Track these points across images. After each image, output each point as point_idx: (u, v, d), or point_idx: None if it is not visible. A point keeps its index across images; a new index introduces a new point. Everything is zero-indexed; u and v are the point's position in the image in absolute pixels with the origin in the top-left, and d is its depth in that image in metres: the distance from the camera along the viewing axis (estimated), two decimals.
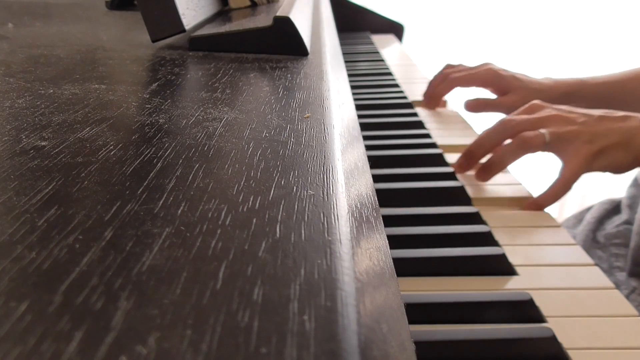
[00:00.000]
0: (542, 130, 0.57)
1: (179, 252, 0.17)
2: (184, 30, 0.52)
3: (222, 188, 0.22)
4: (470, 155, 0.60)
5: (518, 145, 0.57)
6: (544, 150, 0.57)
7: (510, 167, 0.60)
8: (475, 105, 0.82)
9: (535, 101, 0.62)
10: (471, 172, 0.61)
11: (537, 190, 0.57)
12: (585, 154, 0.55)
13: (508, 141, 0.59)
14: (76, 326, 0.14)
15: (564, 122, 0.57)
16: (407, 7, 1.94)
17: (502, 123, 0.59)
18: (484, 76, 0.82)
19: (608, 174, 0.59)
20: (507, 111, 0.80)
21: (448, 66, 0.87)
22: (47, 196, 0.21)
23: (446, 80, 0.84)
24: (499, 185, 0.58)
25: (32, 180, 0.22)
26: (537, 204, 0.55)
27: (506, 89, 0.81)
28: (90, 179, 0.22)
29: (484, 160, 0.60)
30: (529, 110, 0.61)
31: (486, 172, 0.58)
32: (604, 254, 0.71)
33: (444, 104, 0.86)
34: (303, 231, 0.19)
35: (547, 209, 0.55)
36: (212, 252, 0.17)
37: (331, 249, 0.18)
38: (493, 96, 0.84)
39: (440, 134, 0.72)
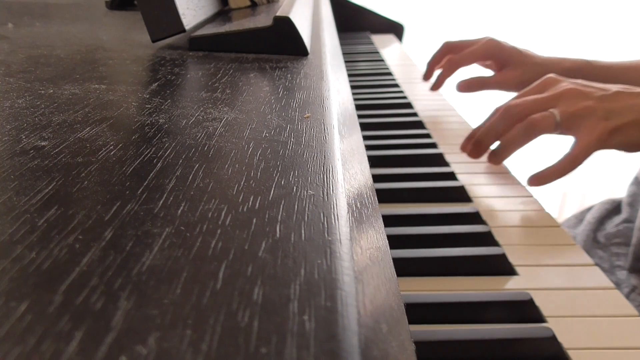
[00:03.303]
0: (552, 110, 0.54)
1: (179, 252, 0.17)
2: (184, 30, 0.52)
3: (222, 188, 0.22)
4: (478, 144, 0.58)
5: (527, 128, 0.54)
6: (555, 130, 0.54)
7: (510, 167, 0.60)
8: (467, 86, 0.80)
9: (550, 75, 0.60)
10: (472, 172, 0.61)
11: (537, 190, 0.56)
12: (601, 131, 0.53)
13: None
14: (76, 326, 0.14)
15: (579, 97, 0.55)
16: (407, 7, 1.94)
17: (509, 107, 0.57)
18: (485, 49, 0.79)
19: (608, 172, 0.58)
20: (506, 88, 0.78)
21: (447, 44, 0.85)
22: (47, 196, 0.21)
23: (447, 64, 0.82)
24: (499, 185, 0.58)
25: (32, 180, 0.22)
26: (543, 178, 0.53)
27: (507, 61, 0.78)
28: (90, 179, 0.22)
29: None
30: (542, 85, 0.59)
31: (497, 157, 0.57)
32: (604, 253, 0.71)
33: (443, 83, 0.86)
34: (303, 231, 0.19)
35: (547, 209, 0.54)
36: (212, 252, 0.17)
37: (331, 249, 0.18)
38: (489, 73, 0.82)
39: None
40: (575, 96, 0.55)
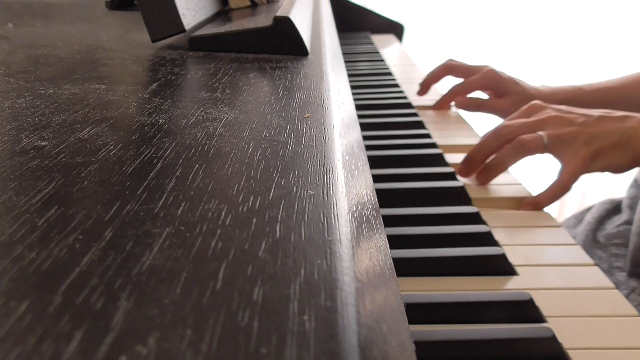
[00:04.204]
0: (540, 133, 0.57)
1: (179, 252, 0.17)
2: (184, 30, 0.52)
3: (222, 188, 0.22)
4: (469, 162, 0.60)
5: (516, 148, 0.57)
6: (542, 152, 0.57)
7: (510, 167, 0.60)
8: (466, 104, 0.83)
9: (535, 102, 0.62)
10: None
11: (537, 190, 0.57)
12: (584, 156, 0.55)
13: None
14: (76, 326, 0.14)
15: (563, 123, 0.57)
16: (407, 7, 1.94)
17: (499, 128, 0.60)
18: (485, 80, 0.82)
19: (608, 174, 0.59)
20: (499, 114, 0.80)
21: (450, 61, 0.87)
22: (47, 196, 0.21)
23: (452, 92, 0.84)
24: (499, 185, 0.58)
25: (32, 180, 0.22)
26: (535, 204, 0.55)
27: (504, 92, 0.81)
28: (90, 179, 0.22)
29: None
30: (528, 111, 0.61)
31: (485, 175, 0.58)
32: (604, 254, 0.71)
33: (448, 107, 0.87)
34: (303, 231, 0.19)
35: (547, 209, 0.55)
36: (212, 252, 0.17)
37: (331, 249, 0.18)
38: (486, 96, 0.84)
39: (440, 134, 0.72)
40: (559, 122, 0.58)
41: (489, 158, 0.59)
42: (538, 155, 0.58)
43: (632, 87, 0.80)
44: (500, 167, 0.58)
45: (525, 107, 0.62)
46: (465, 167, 0.60)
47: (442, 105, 0.85)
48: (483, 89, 0.84)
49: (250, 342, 0.13)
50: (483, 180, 0.58)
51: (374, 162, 0.59)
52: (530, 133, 0.57)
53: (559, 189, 0.56)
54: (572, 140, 0.56)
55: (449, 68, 0.87)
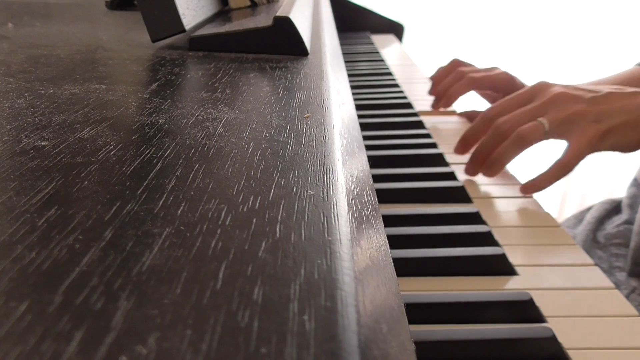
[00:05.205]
0: (541, 119, 0.54)
1: (179, 252, 0.17)
2: (184, 30, 0.52)
3: (222, 188, 0.22)
4: (473, 162, 0.58)
5: (516, 141, 0.55)
6: (545, 139, 0.54)
7: (510, 167, 0.60)
8: None
9: (541, 82, 0.59)
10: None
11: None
12: (592, 135, 0.53)
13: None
14: (76, 326, 0.14)
15: (570, 101, 0.54)
16: (407, 7, 1.94)
17: (499, 124, 0.57)
18: (500, 80, 0.78)
19: (607, 173, 0.58)
20: None
21: (456, 61, 0.83)
22: (47, 196, 0.21)
23: (463, 80, 0.78)
24: (499, 185, 0.58)
25: (32, 180, 0.22)
26: (535, 186, 0.53)
27: None
28: (90, 179, 0.22)
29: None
30: (532, 92, 0.58)
31: (490, 170, 0.58)
32: (604, 254, 0.71)
33: (449, 105, 0.82)
34: (303, 231, 0.19)
35: (547, 209, 0.54)
36: (212, 252, 0.17)
37: (331, 249, 0.18)
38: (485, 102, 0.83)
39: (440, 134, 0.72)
40: (565, 101, 0.55)
41: (492, 153, 0.58)
42: (538, 154, 0.57)
43: (628, 83, 0.79)
44: (503, 161, 0.56)
45: (529, 87, 0.59)
46: (471, 167, 0.59)
47: (453, 93, 0.78)
48: (497, 90, 0.79)
49: (250, 342, 0.13)
50: (488, 175, 0.58)
51: (374, 162, 0.59)
52: (531, 121, 0.55)
53: (560, 169, 0.53)
54: (579, 119, 0.53)
55: (458, 65, 0.81)
